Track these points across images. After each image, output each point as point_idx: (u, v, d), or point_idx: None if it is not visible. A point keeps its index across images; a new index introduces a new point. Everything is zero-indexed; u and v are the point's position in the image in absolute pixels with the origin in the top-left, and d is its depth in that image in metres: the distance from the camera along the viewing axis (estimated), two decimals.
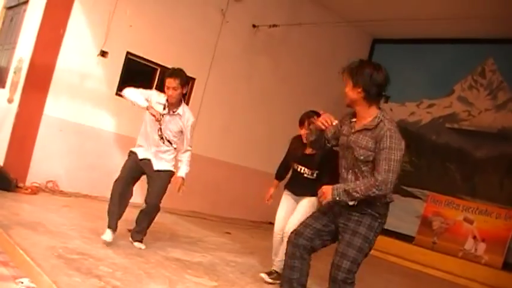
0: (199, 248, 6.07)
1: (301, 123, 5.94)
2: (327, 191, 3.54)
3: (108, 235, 5.16)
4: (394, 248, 10.38)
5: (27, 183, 7.54)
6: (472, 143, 11.16)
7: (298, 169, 5.67)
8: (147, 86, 8.88)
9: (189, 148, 5.64)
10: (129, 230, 5.90)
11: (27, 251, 4.13)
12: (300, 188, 5.66)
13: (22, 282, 3.74)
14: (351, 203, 3.52)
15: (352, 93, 3.60)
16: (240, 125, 10.53)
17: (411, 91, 12.74)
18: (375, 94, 3.57)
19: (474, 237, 10.28)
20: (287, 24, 10.55)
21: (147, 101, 5.35)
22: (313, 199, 5.42)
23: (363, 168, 3.55)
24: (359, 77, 3.57)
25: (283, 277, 3.92)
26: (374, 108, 3.60)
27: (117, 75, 8.50)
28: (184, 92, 5.51)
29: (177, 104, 5.47)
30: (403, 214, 11.67)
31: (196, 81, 9.54)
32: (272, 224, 11.25)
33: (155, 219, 5.68)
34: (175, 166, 5.78)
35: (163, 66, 8.97)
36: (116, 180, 5.51)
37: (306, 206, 5.45)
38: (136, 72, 8.87)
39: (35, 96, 7.70)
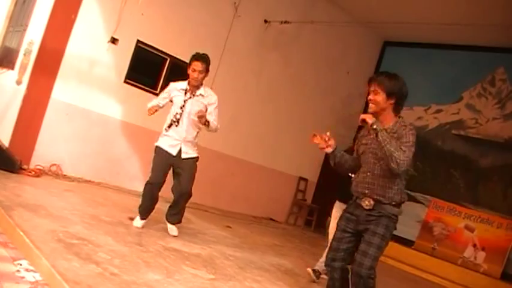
0: (199, 240, 6.06)
1: None
2: (370, 117, 3.89)
3: (139, 222, 5.77)
4: (394, 252, 10.35)
5: (31, 166, 7.55)
6: (477, 151, 11.12)
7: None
8: (156, 75, 8.92)
9: (216, 122, 5.80)
10: (131, 218, 5.92)
11: (27, 233, 4.14)
12: None
13: (21, 265, 3.75)
14: (367, 207, 3.91)
15: (385, 103, 3.95)
16: (247, 120, 10.52)
17: (420, 95, 12.67)
18: (401, 105, 4.02)
19: (474, 246, 10.26)
20: (299, 22, 10.53)
21: (168, 96, 5.93)
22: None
23: (384, 167, 3.89)
24: (394, 89, 3.95)
25: None
26: (395, 115, 4.02)
27: (126, 62, 8.50)
28: (205, 77, 5.80)
29: (198, 87, 5.76)
30: (404, 218, 11.51)
31: None
32: (273, 220, 11.31)
33: (185, 207, 6.10)
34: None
35: (173, 57, 8.98)
36: (149, 183, 5.83)
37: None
38: (146, 61, 8.87)
39: (43, 79, 7.70)
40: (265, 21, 10.34)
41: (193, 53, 5.86)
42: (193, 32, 9.24)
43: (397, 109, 4.00)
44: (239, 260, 5.68)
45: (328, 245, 4.35)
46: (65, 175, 7.83)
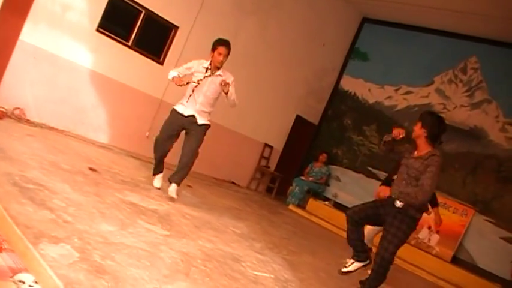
0: (158, 197, 6.04)
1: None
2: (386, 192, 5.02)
3: (158, 182, 6.49)
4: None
5: None
6: (442, 137, 11.41)
7: None
8: (129, 27, 8.76)
9: (234, 97, 6.44)
10: (91, 169, 5.88)
11: None
12: None
13: None
14: (399, 205, 4.89)
15: (419, 130, 5.03)
16: None
17: (392, 75, 12.82)
18: (435, 138, 5.06)
19: (429, 228, 10.48)
20: None
21: (188, 70, 6.40)
22: None
23: (412, 182, 4.90)
24: (427, 121, 5.04)
25: (349, 239, 5.37)
26: (430, 145, 5.03)
27: (100, 10, 8.29)
28: (225, 61, 6.36)
29: (219, 68, 6.36)
30: (364, 194, 11.81)
31: (179, 29, 9.40)
32: (234, 183, 11.37)
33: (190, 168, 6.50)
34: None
35: (148, 10, 8.83)
36: (157, 137, 6.48)
37: None
38: (120, 11, 8.70)
39: (12, 19, 7.46)
40: None
41: (217, 38, 6.45)
42: None
43: (431, 140, 5.00)
44: (196, 219, 5.70)
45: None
46: (28, 120, 7.69)
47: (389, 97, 12.82)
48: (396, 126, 5.24)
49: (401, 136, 5.10)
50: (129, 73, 8.91)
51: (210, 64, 6.32)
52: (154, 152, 6.53)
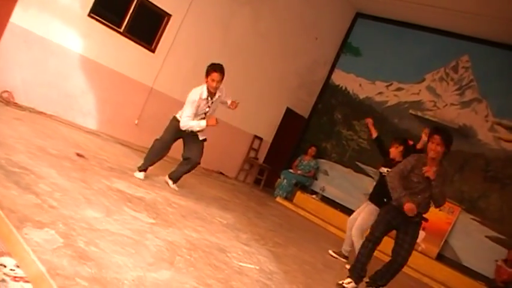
0: (145, 185, 6.02)
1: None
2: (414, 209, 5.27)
3: (141, 175, 6.40)
4: (336, 220, 10.58)
5: None
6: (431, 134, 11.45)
7: (380, 170, 7.18)
8: (122, 13, 8.68)
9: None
10: (78, 154, 5.85)
11: None
12: (372, 192, 7.21)
13: None
14: (413, 217, 5.36)
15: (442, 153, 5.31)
16: None
17: (384, 71, 12.83)
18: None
19: None
20: None
21: (195, 109, 6.50)
22: (372, 208, 6.86)
23: (427, 194, 5.40)
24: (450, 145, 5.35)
25: (359, 262, 5.66)
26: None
27: None
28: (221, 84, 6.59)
29: (215, 92, 6.62)
30: (352, 189, 11.87)
31: (172, 18, 9.33)
32: (223, 174, 11.36)
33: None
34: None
35: None
36: (158, 140, 6.65)
37: (365, 213, 6.97)
38: None
39: (3, 2, 7.41)
40: None
41: (210, 64, 6.54)
42: None
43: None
44: (182, 208, 5.69)
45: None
46: (16, 103, 7.62)
47: (380, 93, 12.84)
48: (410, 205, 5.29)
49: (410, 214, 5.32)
50: (120, 60, 8.85)
51: (207, 91, 6.52)
52: (152, 154, 6.60)
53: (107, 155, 6.83)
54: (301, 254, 6.32)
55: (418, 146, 7.00)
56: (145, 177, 6.43)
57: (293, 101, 13.04)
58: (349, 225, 7.20)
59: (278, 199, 11.64)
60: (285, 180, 11.97)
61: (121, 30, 8.71)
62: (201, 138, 6.71)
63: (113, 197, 4.75)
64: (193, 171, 6.95)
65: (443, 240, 10.65)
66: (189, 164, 6.67)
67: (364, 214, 6.96)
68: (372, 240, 5.58)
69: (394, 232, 5.65)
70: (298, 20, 12.04)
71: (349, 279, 5.59)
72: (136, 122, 9.32)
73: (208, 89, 6.49)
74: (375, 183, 7.47)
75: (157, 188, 6.20)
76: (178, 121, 6.52)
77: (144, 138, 9.46)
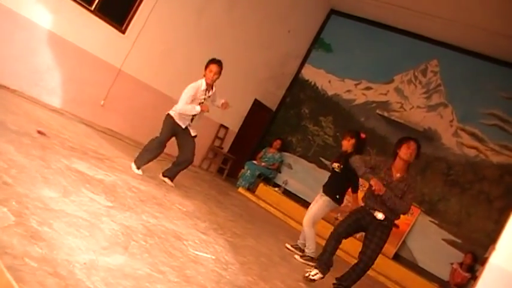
0: (105, 167, 5.93)
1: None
2: (382, 187, 5.39)
3: (139, 172, 6.71)
4: (297, 214, 10.61)
5: None
6: (396, 135, 11.51)
7: (332, 165, 7.29)
8: None
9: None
10: (39, 132, 5.73)
11: None
12: (326, 185, 7.28)
13: None
14: (381, 218, 5.51)
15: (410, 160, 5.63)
16: (181, 57, 10.31)
17: (354, 69, 12.92)
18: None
19: None
20: None
21: (191, 98, 6.81)
22: (327, 201, 7.07)
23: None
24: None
25: (326, 253, 5.82)
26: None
27: None
28: (218, 78, 7.01)
29: (213, 86, 7.04)
30: (315, 184, 11.92)
31: (144, 0, 9.21)
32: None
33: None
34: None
35: None
36: (154, 139, 6.93)
37: (320, 204, 7.13)
38: None
39: None
40: None
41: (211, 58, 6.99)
42: None
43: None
44: (142, 193, 5.63)
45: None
46: None
47: (349, 91, 12.93)
48: (378, 184, 5.42)
49: (377, 193, 5.43)
50: (89, 38, 8.70)
51: (206, 83, 6.91)
52: (150, 152, 6.87)
53: (69, 135, 6.72)
54: (259, 246, 6.33)
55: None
56: (107, 159, 6.34)
57: (262, 93, 13.04)
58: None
59: (240, 190, 11.64)
60: (249, 171, 11.97)
61: (92, 8, 8.55)
62: (193, 134, 7.05)
63: (71, 177, 4.66)
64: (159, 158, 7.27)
65: (401, 240, 10.81)
66: (185, 163, 7.10)
67: (318, 205, 7.10)
68: (337, 231, 5.74)
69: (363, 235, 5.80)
70: (271, 11, 12.02)
71: (316, 271, 5.75)
72: (102, 103, 9.20)
73: (206, 81, 6.89)
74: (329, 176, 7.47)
75: (118, 171, 6.11)
76: (172, 117, 6.89)
77: (110, 120, 9.37)
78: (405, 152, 5.55)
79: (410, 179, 5.59)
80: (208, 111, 7.01)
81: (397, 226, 5.83)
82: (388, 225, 5.57)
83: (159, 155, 7.03)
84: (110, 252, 3.34)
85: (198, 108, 6.81)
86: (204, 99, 6.97)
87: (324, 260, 5.76)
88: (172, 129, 6.92)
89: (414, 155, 5.59)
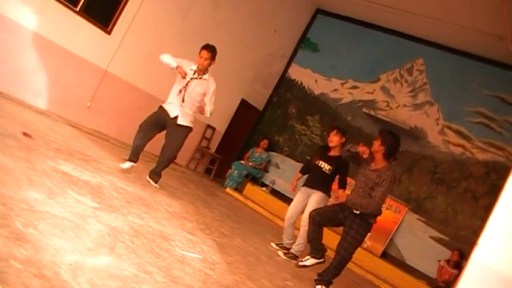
0: (91, 168, 5.90)
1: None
2: (366, 150, 5.68)
3: (127, 165, 6.72)
4: (284, 213, 10.42)
5: None
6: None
7: (319, 164, 7.23)
8: None
9: (212, 107, 7.02)
10: (24, 134, 5.70)
11: None
12: (315, 182, 7.25)
13: None
14: (356, 212, 5.63)
15: (378, 147, 5.64)
16: None
17: (340, 69, 12.97)
18: (392, 155, 5.73)
19: None
20: None
21: (180, 64, 6.65)
22: (323, 195, 7.13)
23: (367, 191, 5.59)
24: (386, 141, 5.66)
25: (310, 237, 6.17)
26: (385, 160, 5.71)
27: None
28: (211, 64, 6.87)
29: (204, 72, 6.86)
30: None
31: (130, 0, 9.18)
32: (173, 162, 11.27)
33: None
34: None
35: None
36: (139, 125, 6.81)
37: (317, 199, 7.10)
38: None
39: None
40: None
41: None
42: None
43: (387, 156, 5.67)
44: (128, 194, 5.61)
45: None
46: None
47: (335, 90, 12.97)
48: (363, 144, 5.76)
49: (365, 156, 5.70)
50: (74, 40, 8.67)
51: (198, 68, 6.79)
52: (135, 138, 6.81)
53: (55, 136, 6.68)
54: (246, 246, 6.33)
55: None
56: (93, 160, 6.32)
57: (248, 93, 13.05)
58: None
59: (228, 190, 11.65)
60: (236, 171, 11.98)
61: (77, 9, 8.52)
62: (180, 123, 6.78)
63: (57, 178, 4.64)
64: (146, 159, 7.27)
65: (389, 238, 10.86)
66: (167, 158, 6.99)
67: (315, 202, 7.08)
68: (316, 218, 6.03)
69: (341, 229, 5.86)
70: (257, 10, 12.03)
71: (307, 257, 6.18)
72: (88, 104, 9.17)
73: (198, 66, 6.79)
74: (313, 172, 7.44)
75: (104, 172, 6.09)
76: (164, 109, 6.81)
77: (96, 121, 9.34)
78: (373, 144, 5.72)
79: (386, 172, 5.57)
80: (184, 75, 6.61)
81: (379, 214, 5.79)
82: (364, 219, 5.66)
83: (138, 145, 6.81)
84: (95, 253, 3.34)
85: (173, 65, 6.61)
86: (191, 78, 6.76)
87: (315, 245, 6.13)
88: (158, 115, 6.81)
89: (377, 146, 5.65)
